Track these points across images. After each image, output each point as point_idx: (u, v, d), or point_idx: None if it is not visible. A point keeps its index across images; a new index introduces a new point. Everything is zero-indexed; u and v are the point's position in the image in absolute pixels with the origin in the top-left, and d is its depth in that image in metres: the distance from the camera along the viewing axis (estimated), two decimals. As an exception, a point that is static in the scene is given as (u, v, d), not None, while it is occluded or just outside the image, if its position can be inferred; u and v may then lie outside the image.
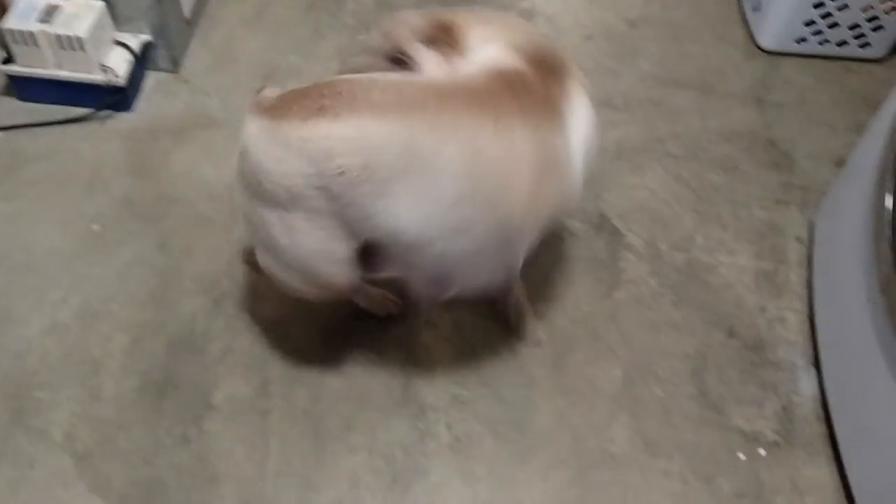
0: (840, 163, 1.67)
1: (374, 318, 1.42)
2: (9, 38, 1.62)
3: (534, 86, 1.10)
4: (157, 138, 1.70)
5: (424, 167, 1.02)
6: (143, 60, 1.77)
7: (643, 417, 1.34)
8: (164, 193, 1.60)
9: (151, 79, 1.80)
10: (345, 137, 1.00)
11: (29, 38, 1.61)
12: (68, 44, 1.62)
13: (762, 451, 1.32)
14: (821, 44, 1.91)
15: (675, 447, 1.31)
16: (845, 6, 1.82)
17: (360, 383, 1.37)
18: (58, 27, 1.61)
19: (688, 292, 1.49)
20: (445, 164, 1.02)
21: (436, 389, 1.36)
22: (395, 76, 1.09)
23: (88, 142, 1.68)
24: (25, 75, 1.68)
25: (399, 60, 1.14)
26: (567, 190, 1.17)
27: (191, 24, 1.87)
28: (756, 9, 1.95)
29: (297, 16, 1.96)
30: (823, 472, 1.30)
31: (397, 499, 1.25)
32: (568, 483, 1.28)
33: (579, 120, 1.16)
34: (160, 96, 1.78)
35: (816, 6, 1.83)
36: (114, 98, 1.71)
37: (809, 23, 1.87)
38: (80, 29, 1.61)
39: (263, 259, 1.19)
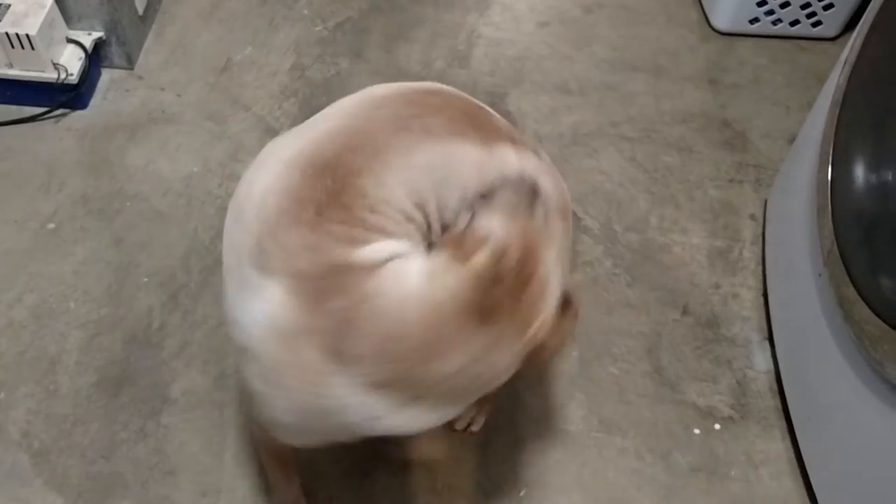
0: (793, 141, 1.69)
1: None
2: (-43, 38, 1.61)
3: None
4: (112, 135, 1.69)
5: None
6: (96, 58, 1.76)
7: (599, 396, 1.36)
8: (120, 190, 1.60)
9: (106, 76, 1.79)
10: None
11: (-22, 38, 1.60)
12: (18, 42, 1.61)
13: (717, 426, 1.34)
14: (774, 24, 1.93)
15: (630, 424, 1.33)
16: (796, -14, 1.84)
17: (318, 372, 1.37)
18: (7, 26, 1.59)
19: (643, 272, 1.51)
20: None
21: (394, 376, 1.37)
22: None
23: (43, 141, 1.68)
24: (-24, 76, 1.67)
25: None
26: None
27: (144, 19, 1.86)
28: (709, -9, 1.97)
29: (252, 8, 1.96)
30: (777, 445, 1.32)
31: (356, 486, 1.26)
32: (526, 464, 1.29)
33: None
34: (115, 93, 1.77)
35: (768, -14, 1.86)
36: (67, 96, 1.70)
37: (762, 3, 1.89)
38: (30, 27, 1.60)
39: None
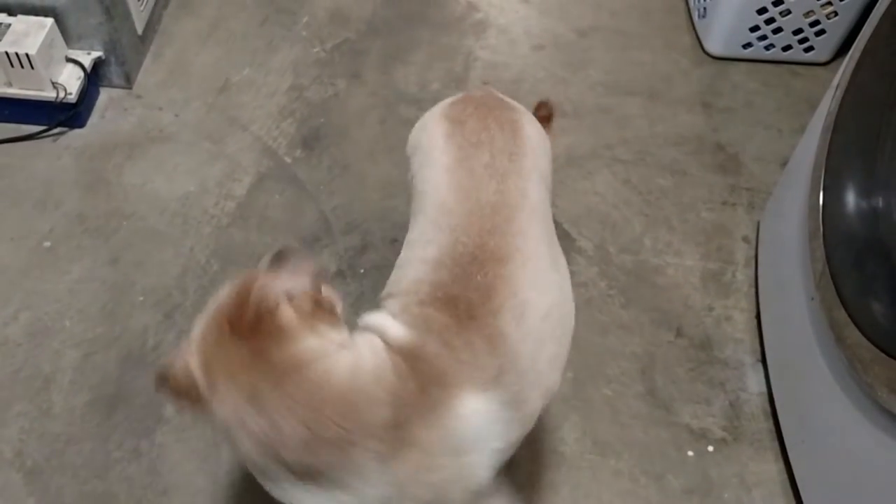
0: (786, 164, 1.71)
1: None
2: (-43, 57, 1.62)
3: None
4: (109, 154, 1.70)
5: None
6: (95, 77, 1.77)
7: (593, 418, 1.36)
8: (117, 208, 1.60)
9: (104, 95, 1.81)
10: None
11: (-23, 57, 1.61)
12: (18, 61, 1.62)
13: (710, 448, 1.34)
14: (766, 49, 1.95)
15: (624, 446, 1.33)
16: (788, 12, 1.86)
17: (313, 392, 1.37)
18: (7, 45, 1.61)
19: (636, 294, 1.52)
20: None
21: (388, 396, 1.37)
22: None
23: (41, 159, 1.68)
24: (-25, 94, 1.68)
25: None
26: None
27: (143, 39, 1.87)
28: (702, 16, 1.99)
29: (251, 29, 1.98)
30: (770, 467, 1.33)
31: (350, 506, 1.25)
32: (519, 486, 1.29)
33: None
34: (113, 112, 1.78)
35: (760, 12, 1.87)
36: (66, 115, 1.71)
37: (754, 28, 1.91)
38: (30, 46, 1.61)
39: None
